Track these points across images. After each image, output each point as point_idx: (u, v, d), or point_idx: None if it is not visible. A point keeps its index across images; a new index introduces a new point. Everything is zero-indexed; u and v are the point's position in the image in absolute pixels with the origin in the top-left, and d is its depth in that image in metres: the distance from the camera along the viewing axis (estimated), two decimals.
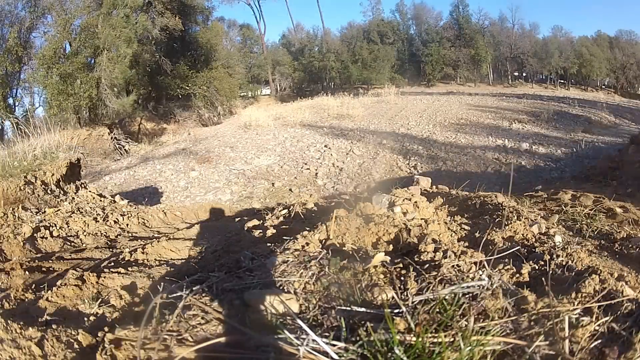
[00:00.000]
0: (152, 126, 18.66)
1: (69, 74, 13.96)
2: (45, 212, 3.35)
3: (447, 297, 1.05)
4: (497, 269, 1.37)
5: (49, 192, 3.79)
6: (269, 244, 1.72)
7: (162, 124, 19.19)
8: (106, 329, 1.16)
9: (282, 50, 38.35)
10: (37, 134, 4.99)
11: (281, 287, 1.22)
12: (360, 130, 13.57)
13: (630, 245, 2.02)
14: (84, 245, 2.84)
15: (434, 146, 10.99)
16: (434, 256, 1.44)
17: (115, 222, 3.39)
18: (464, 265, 1.30)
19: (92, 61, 14.99)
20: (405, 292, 1.15)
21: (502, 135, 11.68)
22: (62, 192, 3.93)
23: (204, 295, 1.19)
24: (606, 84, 40.40)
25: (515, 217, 2.17)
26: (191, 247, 2.49)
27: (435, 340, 0.88)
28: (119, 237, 3.11)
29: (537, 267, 1.46)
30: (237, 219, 3.56)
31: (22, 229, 2.79)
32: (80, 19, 14.69)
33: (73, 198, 3.94)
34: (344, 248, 1.60)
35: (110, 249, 2.70)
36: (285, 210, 2.76)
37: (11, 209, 3.24)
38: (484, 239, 1.78)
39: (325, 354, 0.85)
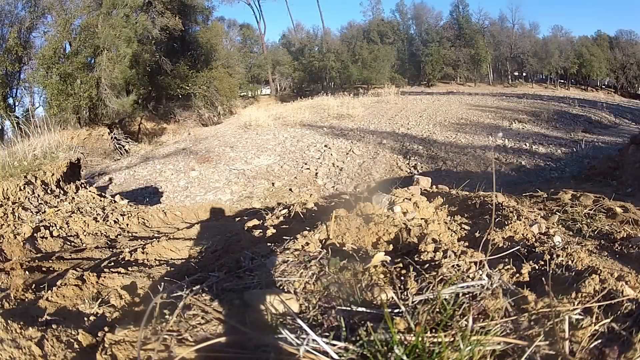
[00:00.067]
0: (152, 126, 18.66)
1: (69, 74, 13.96)
2: (45, 212, 3.35)
3: (447, 297, 1.05)
4: (497, 269, 1.37)
5: (49, 192, 3.79)
6: (269, 244, 1.72)
7: (162, 124, 19.19)
8: (106, 329, 1.16)
9: (282, 50, 38.36)
10: (37, 133, 4.99)
11: (281, 287, 1.22)
12: (360, 130, 13.57)
13: (630, 245, 2.02)
14: (84, 245, 2.84)
15: (434, 146, 10.99)
16: (434, 256, 1.44)
17: (115, 222, 3.39)
18: (464, 265, 1.30)
19: (92, 61, 15.00)
20: (405, 292, 1.15)
21: (502, 135, 11.67)
22: (62, 192, 3.93)
23: (204, 295, 1.19)
24: (606, 84, 40.41)
25: (515, 217, 2.17)
26: (191, 247, 2.49)
27: (435, 340, 0.88)
28: (119, 237, 3.11)
29: (537, 267, 1.46)
30: (237, 219, 3.56)
31: (22, 229, 2.79)
32: (80, 18, 14.71)
33: (73, 198, 3.94)
34: (344, 248, 1.60)
35: (110, 249, 2.70)
36: (285, 210, 2.76)
37: (11, 209, 3.24)
38: (484, 239, 1.77)
39: (325, 353, 0.85)
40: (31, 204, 3.48)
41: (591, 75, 38.30)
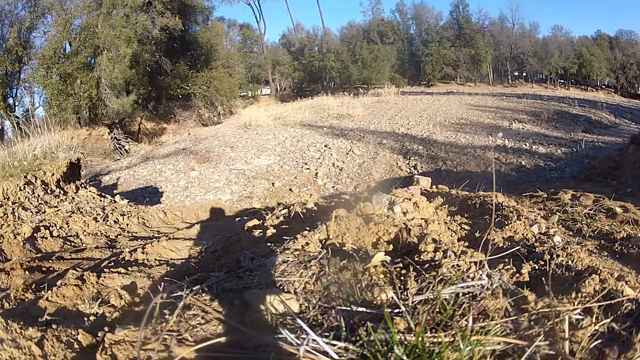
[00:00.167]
0: (152, 126, 18.67)
1: (69, 74, 13.97)
2: (45, 212, 3.35)
3: (447, 297, 1.05)
4: (497, 269, 1.37)
5: (49, 192, 3.79)
6: (269, 244, 1.72)
7: (162, 124, 19.20)
8: (106, 329, 1.16)
9: (282, 50, 38.35)
10: (37, 133, 4.99)
11: (281, 287, 1.22)
12: (360, 130, 13.57)
13: (630, 245, 2.02)
14: (84, 245, 2.84)
15: (434, 146, 10.99)
16: (434, 256, 1.44)
17: (115, 222, 3.39)
18: (464, 265, 1.30)
19: (92, 61, 15.00)
20: (405, 292, 1.15)
21: (502, 135, 11.67)
22: (62, 192, 3.93)
23: (204, 295, 1.19)
24: (606, 84, 40.41)
25: (515, 217, 2.17)
26: (191, 247, 2.49)
27: (435, 340, 0.88)
28: (119, 237, 3.11)
29: (537, 267, 1.46)
30: (237, 219, 3.56)
31: (22, 229, 2.79)
32: (80, 18, 14.71)
33: (73, 198, 3.94)
34: (344, 248, 1.60)
35: (110, 249, 2.70)
36: (285, 210, 2.76)
37: (11, 209, 3.24)
38: (484, 239, 1.77)
39: (325, 353, 0.85)
40: (31, 204, 3.48)
41: (591, 75, 38.30)
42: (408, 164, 9.65)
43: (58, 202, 3.71)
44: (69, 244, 2.83)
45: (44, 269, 2.24)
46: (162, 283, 1.37)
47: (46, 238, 2.81)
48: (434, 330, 0.92)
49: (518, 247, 1.73)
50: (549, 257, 1.55)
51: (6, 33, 14.51)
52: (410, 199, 2.24)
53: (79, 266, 2.27)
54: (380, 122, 14.93)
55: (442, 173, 8.63)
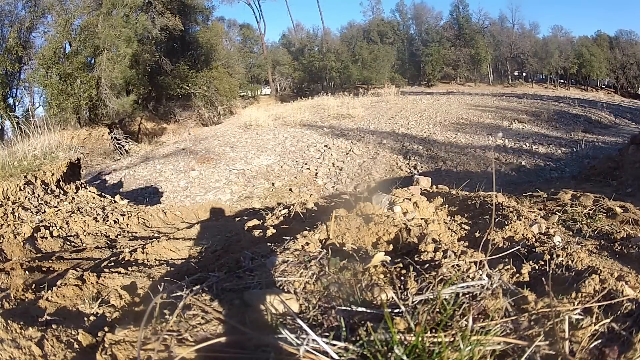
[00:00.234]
0: (152, 126, 18.67)
1: (69, 74, 13.97)
2: (45, 212, 3.35)
3: (447, 297, 1.05)
4: (497, 269, 1.37)
5: (49, 192, 3.79)
6: (269, 244, 1.72)
7: (162, 124, 19.20)
8: (106, 329, 1.16)
9: (282, 50, 38.35)
10: (37, 133, 4.99)
11: (281, 287, 1.22)
12: (360, 130, 13.57)
13: (630, 245, 2.02)
14: (84, 245, 2.84)
15: (434, 146, 10.99)
16: (434, 256, 1.44)
17: (115, 222, 3.39)
18: (464, 265, 1.30)
19: (92, 61, 15.01)
20: (405, 292, 1.15)
21: (502, 135, 11.67)
22: (62, 192, 3.93)
23: (204, 295, 1.19)
24: (606, 84, 40.41)
25: (515, 217, 2.17)
26: (191, 247, 2.49)
27: (435, 340, 0.88)
28: (119, 237, 3.11)
29: (537, 267, 1.46)
30: (237, 219, 3.56)
31: (22, 229, 2.79)
32: (80, 18, 14.72)
33: (73, 198, 3.94)
34: (344, 248, 1.60)
35: (110, 249, 2.70)
36: (285, 210, 2.76)
37: (11, 209, 3.24)
38: (484, 239, 1.77)
39: (325, 353, 0.85)
40: (31, 204, 3.48)
41: (591, 75, 38.31)
42: (408, 164, 9.65)
43: (58, 202, 3.71)
44: (69, 244, 2.83)
45: (44, 269, 2.24)
46: (162, 283, 1.37)
47: (46, 238, 2.81)
48: (434, 330, 0.92)
49: (518, 247, 1.73)
50: (549, 257, 1.55)
51: (6, 33, 14.52)
52: (410, 199, 2.24)
53: (79, 266, 2.27)
54: (380, 122, 14.93)
55: (442, 173, 8.63)
